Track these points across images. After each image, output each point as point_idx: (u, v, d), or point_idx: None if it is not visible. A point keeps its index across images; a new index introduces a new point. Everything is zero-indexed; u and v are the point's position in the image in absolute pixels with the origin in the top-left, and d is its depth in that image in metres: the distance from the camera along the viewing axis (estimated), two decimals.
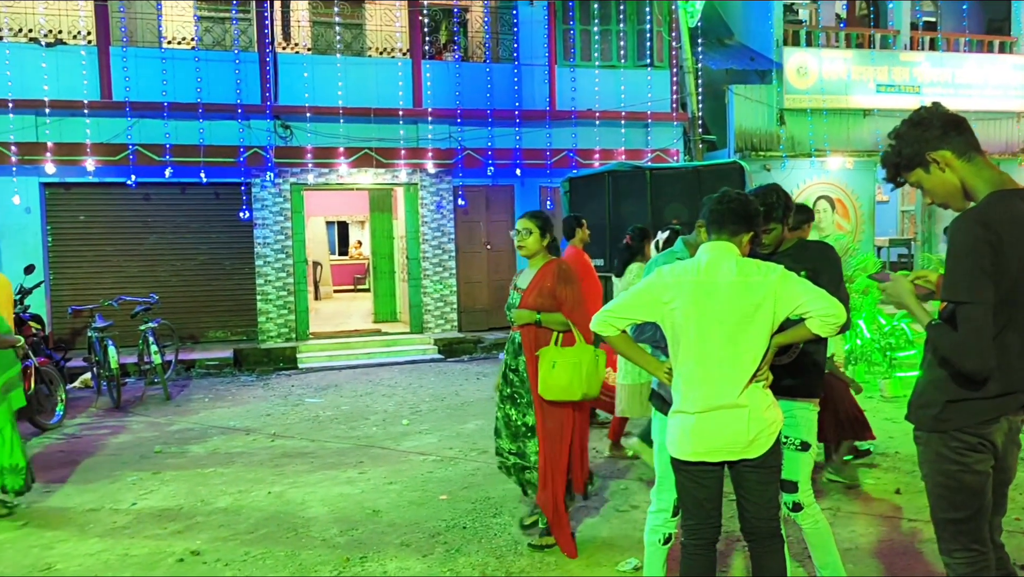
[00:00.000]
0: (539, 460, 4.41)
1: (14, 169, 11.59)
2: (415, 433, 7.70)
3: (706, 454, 3.02)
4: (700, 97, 14.63)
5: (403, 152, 13.06)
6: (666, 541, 3.58)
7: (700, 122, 14.85)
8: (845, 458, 5.86)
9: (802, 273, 3.15)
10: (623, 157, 13.62)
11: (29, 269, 9.82)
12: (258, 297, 12.94)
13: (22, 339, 5.83)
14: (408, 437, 7.56)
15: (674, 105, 14.70)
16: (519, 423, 4.53)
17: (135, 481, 6.32)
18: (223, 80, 12.42)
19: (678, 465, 3.11)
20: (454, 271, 13.77)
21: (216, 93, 12.36)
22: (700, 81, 14.60)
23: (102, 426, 8.45)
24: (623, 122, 14.24)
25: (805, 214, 4.33)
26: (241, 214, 12.59)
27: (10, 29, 12.10)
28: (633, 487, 5.74)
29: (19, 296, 9.31)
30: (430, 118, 13.33)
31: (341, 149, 12.71)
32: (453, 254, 13.76)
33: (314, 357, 12.31)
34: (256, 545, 4.85)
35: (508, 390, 4.59)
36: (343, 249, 23.73)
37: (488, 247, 14.07)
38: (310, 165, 12.73)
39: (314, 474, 6.33)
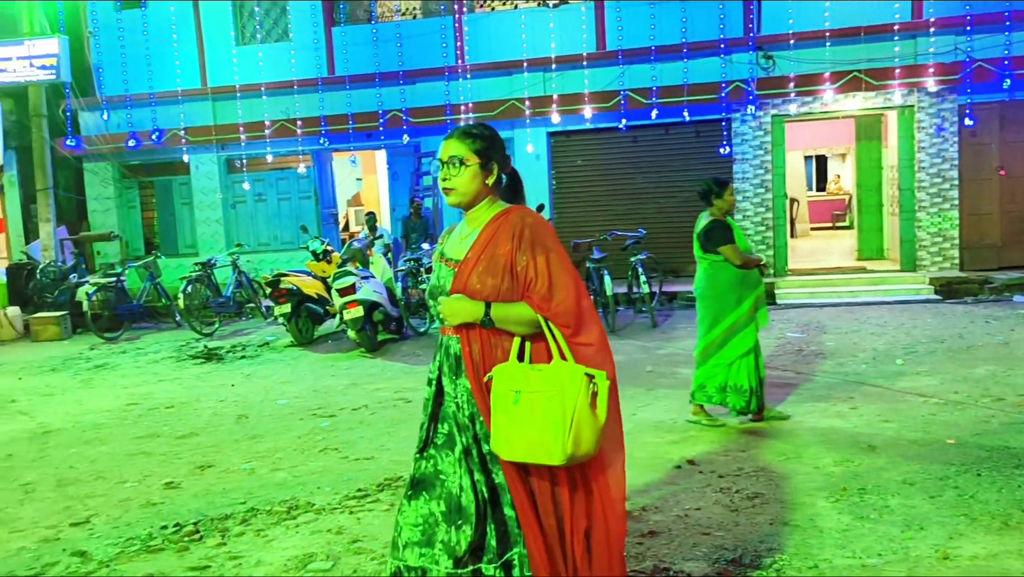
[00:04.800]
0: (525, 538, 2.54)
1: (527, 121, 13.30)
2: (911, 374, 7.12)
3: None
4: None
5: (897, 71, 11.86)
6: None
7: None
8: None
9: None
10: None
11: (539, 208, 11.21)
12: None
13: (764, 259, 6.02)
14: (903, 377, 7.02)
15: None
16: (478, 488, 2.60)
17: (632, 395, 6.91)
18: (706, 17, 12.60)
19: None
20: (956, 202, 12.22)
21: (699, 31, 12.61)
22: None
23: None
24: None
25: None
26: (721, 150, 12.77)
27: None
28: None
29: None
30: (931, 29, 11.87)
31: (826, 75, 12.02)
32: (956, 183, 12.20)
33: (793, 293, 12.06)
34: (748, 463, 4.98)
35: (446, 428, 2.68)
36: (820, 185, 22.69)
37: (1002, 173, 12.17)
38: (792, 95, 12.31)
39: (803, 405, 6.26)
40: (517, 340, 2.56)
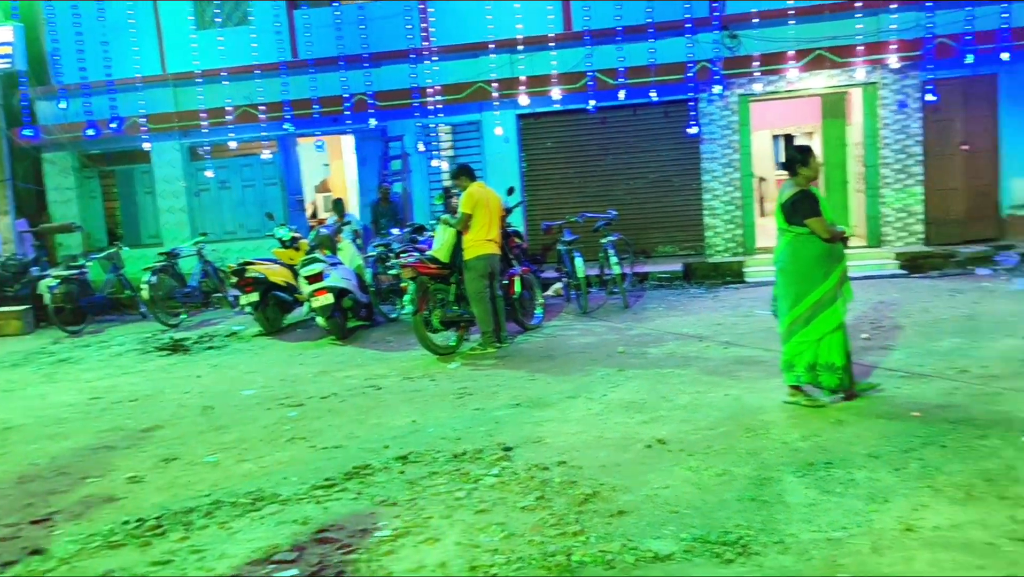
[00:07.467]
0: None
1: (495, 104, 13.19)
2: (877, 349, 7.18)
3: None
4: None
5: (860, 48, 11.91)
6: None
7: None
8: None
9: None
10: None
11: (510, 191, 11.11)
12: (705, 212, 13.10)
13: (847, 230, 5.47)
14: (869, 352, 7.07)
15: None
16: None
17: (603, 376, 6.93)
18: None
19: None
20: (920, 178, 12.33)
21: (665, 11, 12.52)
22: None
23: (572, 328, 9.39)
24: None
25: None
26: (689, 130, 12.76)
27: None
28: None
29: (505, 213, 10.67)
30: (893, 5, 11.91)
31: (791, 53, 12.03)
32: (920, 159, 12.30)
33: (761, 271, 12.10)
34: (717, 441, 5.00)
35: None
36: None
37: (964, 148, 12.31)
38: (757, 74, 12.32)
39: (770, 381, 6.27)
40: None
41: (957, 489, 3.97)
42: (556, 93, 12.82)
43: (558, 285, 11.55)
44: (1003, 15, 11.49)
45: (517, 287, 9.17)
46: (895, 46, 11.80)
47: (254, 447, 5.65)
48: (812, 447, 4.75)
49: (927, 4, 11.72)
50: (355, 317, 10.06)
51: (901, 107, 12.21)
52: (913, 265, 11.66)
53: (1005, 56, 11.49)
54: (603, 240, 10.73)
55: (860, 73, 12.12)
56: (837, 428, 5.06)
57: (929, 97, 11.90)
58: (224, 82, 13.81)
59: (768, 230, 15.26)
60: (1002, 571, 3.20)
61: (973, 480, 4.06)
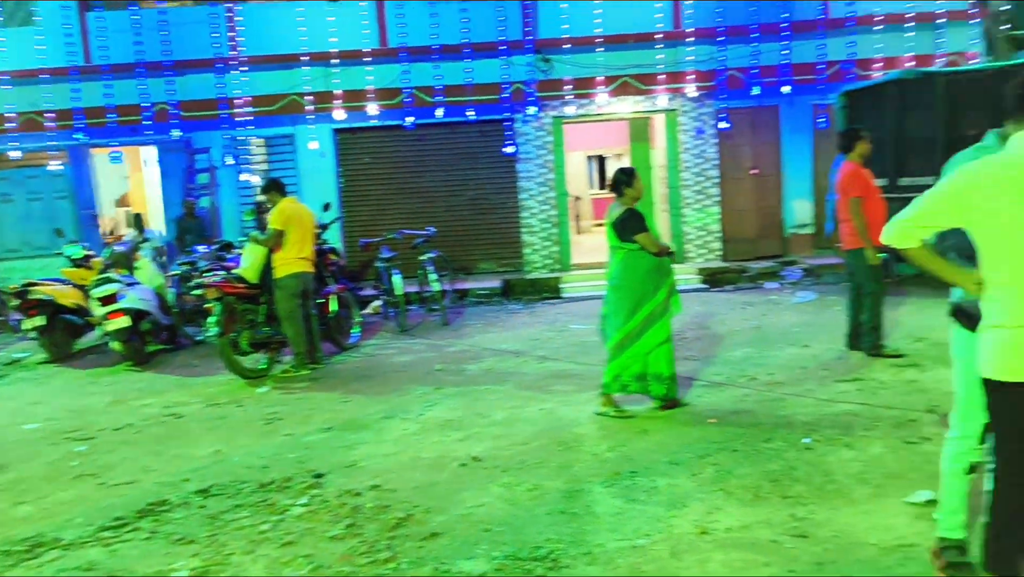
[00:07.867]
0: None
1: (310, 118, 12.86)
2: (680, 359, 7.53)
3: None
4: None
5: (662, 77, 12.70)
6: (970, 471, 3.21)
7: (1006, 17, 12.85)
8: None
9: None
10: (911, 66, 12.21)
11: (326, 207, 10.84)
12: (523, 230, 13.41)
13: (672, 246, 5.51)
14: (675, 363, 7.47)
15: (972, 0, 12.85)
16: None
17: (421, 395, 6.87)
18: (486, 18, 12.78)
19: (994, 387, 2.74)
20: (717, 199, 13.28)
21: (481, 32, 12.76)
22: None
23: (390, 347, 9.27)
24: (909, 25, 12.72)
25: None
26: (505, 149, 13.03)
27: None
28: (924, 419, 5.24)
29: (319, 230, 10.37)
30: (691, 39, 12.79)
31: (600, 78, 12.63)
32: (716, 181, 13.25)
33: (577, 287, 12.55)
34: (531, 455, 5.08)
35: None
36: (603, 184, 23.88)
37: (754, 172, 13.38)
38: (570, 97, 12.81)
39: (582, 394, 6.48)
40: None
41: (746, 491, 4.24)
42: (373, 108, 12.70)
43: (377, 303, 11.38)
44: (783, 52, 12.65)
45: (333, 306, 8.95)
46: (692, 76, 12.69)
47: (35, 487, 5.11)
48: (619, 457, 4.93)
49: (719, 39, 12.68)
50: (155, 340, 9.40)
51: (699, 133, 13.11)
52: (713, 280, 12.51)
53: (786, 89, 12.66)
54: (422, 257, 10.69)
55: (662, 100, 12.91)
56: (642, 437, 5.29)
57: (722, 124, 12.90)
58: (5, 86, 12.56)
59: (583, 247, 15.87)
60: (784, 566, 3.44)
61: (760, 481, 4.36)
